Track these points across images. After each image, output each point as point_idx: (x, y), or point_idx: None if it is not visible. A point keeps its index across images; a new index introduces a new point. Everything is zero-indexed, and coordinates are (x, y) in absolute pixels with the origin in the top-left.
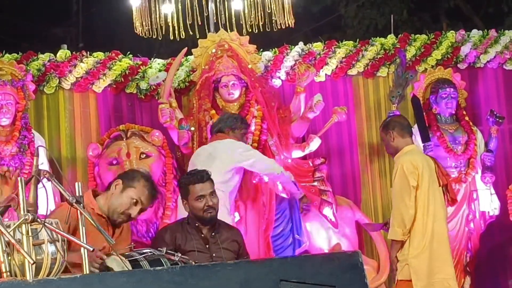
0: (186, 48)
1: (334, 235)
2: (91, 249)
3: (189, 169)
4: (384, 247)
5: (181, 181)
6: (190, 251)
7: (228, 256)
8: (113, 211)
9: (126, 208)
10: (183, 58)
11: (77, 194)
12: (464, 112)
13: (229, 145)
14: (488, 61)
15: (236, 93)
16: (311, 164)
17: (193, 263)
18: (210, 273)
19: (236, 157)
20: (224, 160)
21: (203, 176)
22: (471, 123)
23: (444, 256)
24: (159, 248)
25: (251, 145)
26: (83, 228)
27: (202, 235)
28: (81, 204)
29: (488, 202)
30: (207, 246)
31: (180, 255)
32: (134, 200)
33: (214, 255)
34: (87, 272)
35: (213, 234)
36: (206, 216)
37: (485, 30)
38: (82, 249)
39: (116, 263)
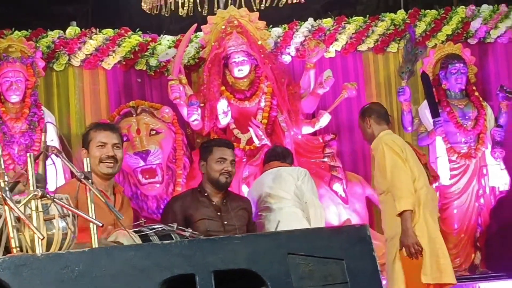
0: (195, 25)
1: (344, 210)
2: (100, 224)
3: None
4: None
5: (205, 142)
6: (202, 219)
7: (239, 223)
8: None
9: None
10: (192, 34)
11: (85, 170)
12: (474, 88)
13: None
14: (498, 36)
15: (246, 70)
16: (321, 140)
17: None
18: (217, 247)
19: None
20: None
21: (229, 143)
22: (481, 99)
23: (436, 229)
24: (169, 224)
25: (261, 121)
26: (92, 204)
27: (213, 203)
28: (90, 180)
29: (498, 177)
30: (219, 214)
31: (190, 230)
32: None
33: (225, 222)
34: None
35: (224, 201)
36: (221, 180)
37: (496, 5)
38: (91, 224)
39: (126, 238)
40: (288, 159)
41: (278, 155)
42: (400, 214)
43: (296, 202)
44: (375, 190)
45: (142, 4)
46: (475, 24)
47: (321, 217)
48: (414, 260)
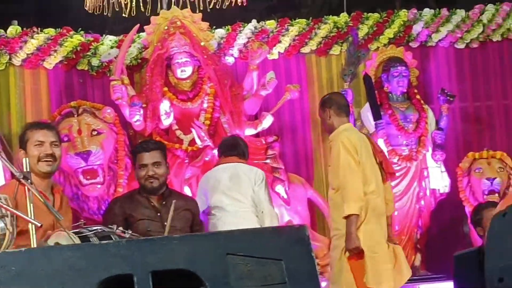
0: (138, 25)
1: (286, 212)
2: (39, 224)
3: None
4: None
5: (132, 150)
6: (141, 219)
7: (181, 225)
8: None
9: None
10: (135, 35)
11: (25, 170)
12: (416, 91)
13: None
14: (439, 40)
15: (189, 71)
16: (263, 142)
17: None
18: (155, 247)
19: None
20: None
21: (148, 146)
22: (422, 102)
23: (384, 232)
24: (109, 225)
25: (203, 122)
26: (31, 204)
27: (152, 204)
28: (29, 180)
29: (439, 180)
30: (159, 214)
31: (130, 232)
32: None
33: (165, 223)
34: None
35: (164, 203)
36: (147, 185)
37: (437, 9)
38: (30, 225)
39: (65, 239)
40: (246, 155)
41: (237, 149)
42: (346, 217)
43: (252, 207)
44: (317, 192)
45: (85, 4)
46: (417, 28)
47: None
48: (360, 262)
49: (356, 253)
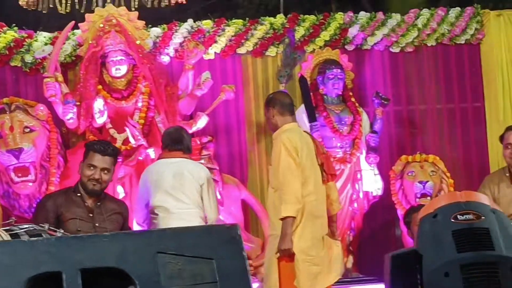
0: (73, 22)
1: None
2: None
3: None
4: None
5: (89, 143)
6: (73, 218)
7: (112, 227)
8: None
9: None
10: (69, 32)
11: None
12: (351, 93)
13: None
14: (375, 44)
15: (123, 69)
16: (198, 142)
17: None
18: (86, 245)
19: None
20: None
21: (106, 150)
22: (357, 104)
23: (319, 235)
24: (41, 224)
25: (137, 121)
26: None
27: (86, 204)
28: None
29: (372, 183)
30: (91, 215)
31: (62, 231)
32: None
33: (97, 224)
34: None
35: (98, 204)
36: (88, 186)
37: (373, 12)
38: None
39: None
40: (191, 149)
41: (182, 144)
42: (283, 219)
43: (197, 208)
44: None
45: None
46: (353, 31)
47: None
48: (290, 265)
49: (287, 255)
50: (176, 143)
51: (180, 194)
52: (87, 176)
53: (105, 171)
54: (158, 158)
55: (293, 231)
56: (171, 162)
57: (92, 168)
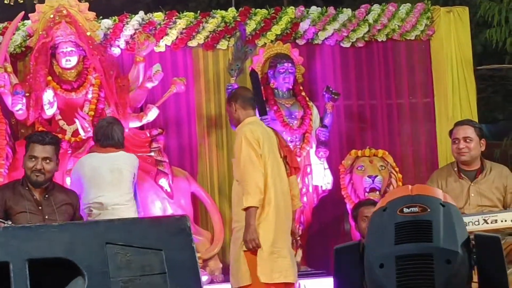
0: (23, 13)
1: (169, 205)
2: None
3: None
4: (218, 218)
5: (27, 136)
6: (22, 211)
7: (63, 219)
8: None
9: None
10: (19, 22)
11: None
12: (301, 88)
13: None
14: (326, 38)
15: (74, 60)
16: (148, 135)
17: None
18: (33, 235)
19: None
20: None
21: (44, 139)
22: (307, 99)
23: (285, 227)
24: None
25: (87, 113)
26: None
27: (34, 197)
28: None
29: (321, 177)
30: (40, 208)
31: (10, 223)
32: None
33: (47, 217)
34: None
35: (46, 196)
36: (32, 178)
37: (324, 7)
38: None
39: None
40: (123, 142)
41: (113, 139)
42: (246, 209)
43: (131, 201)
44: (201, 186)
45: None
46: (304, 25)
47: None
48: (255, 258)
49: (251, 246)
50: (107, 138)
51: (117, 189)
52: (29, 168)
53: (47, 161)
54: (89, 152)
55: (258, 223)
56: (106, 158)
57: (33, 159)
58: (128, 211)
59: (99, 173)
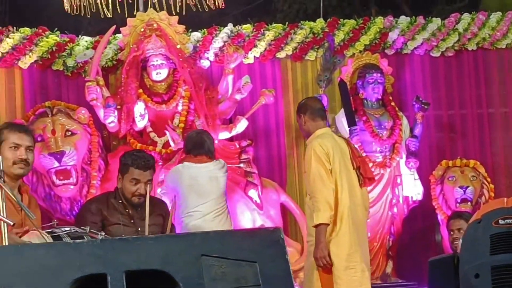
0: (114, 26)
1: (259, 216)
2: (12, 223)
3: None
4: None
5: (125, 157)
6: (116, 223)
7: (154, 230)
8: None
9: None
10: (111, 36)
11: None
12: (390, 98)
13: None
14: (415, 48)
15: (164, 73)
16: (237, 146)
17: None
18: (130, 247)
19: None
20: None
21: (148, 164)
22: (397, 109)
23: (361, 240)
24: (82, 227)
25: (177, 125)
26: (3, 202)
27: (127, 210)
28: (1, 179)
29: (412, 187)
30: (132, 221)
31: (103, 234)
32: None
33: (139, 229)
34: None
35: (138, 209)
36: (133, 200)
37: (413, 16)
38: (1, 223)
39: (38, 239)
40: (213, 153)
41: (204, 148)
42: (316, 226)
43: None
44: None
45: (63, 4)
46: (393, 35)
47: None
48: (330, 275)
49: (322, 264)
50: (199, 147)
51: (215, 197)
52: (131, 191)
53: (149, 183)
54: (181, 162)
55: (331, 239)
56: (202, 168)
57: (135, 182)
58: (226, 217)
59: (198, 182)
